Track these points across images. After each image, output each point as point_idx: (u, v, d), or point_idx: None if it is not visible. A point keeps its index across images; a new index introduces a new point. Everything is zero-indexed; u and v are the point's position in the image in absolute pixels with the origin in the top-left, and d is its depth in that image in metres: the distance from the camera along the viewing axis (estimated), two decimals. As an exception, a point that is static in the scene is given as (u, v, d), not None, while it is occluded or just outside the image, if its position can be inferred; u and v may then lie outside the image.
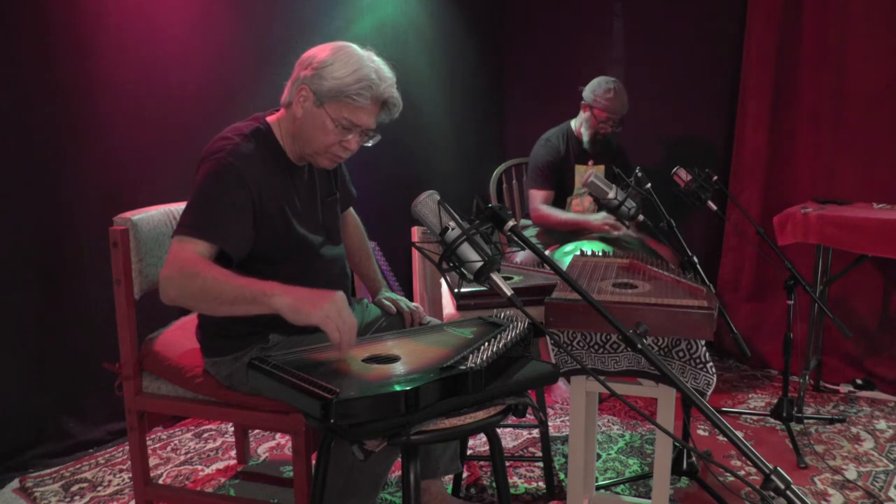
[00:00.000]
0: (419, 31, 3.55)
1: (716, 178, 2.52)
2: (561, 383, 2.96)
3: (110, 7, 2.36)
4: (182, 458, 2.42)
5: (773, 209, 3.06)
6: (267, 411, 1.70)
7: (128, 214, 1.78)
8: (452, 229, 1.28)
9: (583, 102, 3.07)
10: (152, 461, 2.37)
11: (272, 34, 2.84)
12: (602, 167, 3.14)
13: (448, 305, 1.91)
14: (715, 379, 1.61)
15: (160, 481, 2.26)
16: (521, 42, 4.05)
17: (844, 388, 3.06)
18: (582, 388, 1.73)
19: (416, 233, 3.19)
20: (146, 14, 2.45)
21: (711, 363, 1.61)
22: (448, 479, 2.13)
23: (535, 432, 2.59)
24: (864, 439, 2.56)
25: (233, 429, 2.49)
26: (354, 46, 1.62)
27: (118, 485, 2.23)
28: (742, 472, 2.30)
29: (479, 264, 1.25)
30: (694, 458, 2.22)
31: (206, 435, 2.59)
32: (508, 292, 1.25)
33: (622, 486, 2.22)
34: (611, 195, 2.08)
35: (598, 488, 2.16)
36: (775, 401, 2.65)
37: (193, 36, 2.60)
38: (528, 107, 4.05)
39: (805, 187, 3.17)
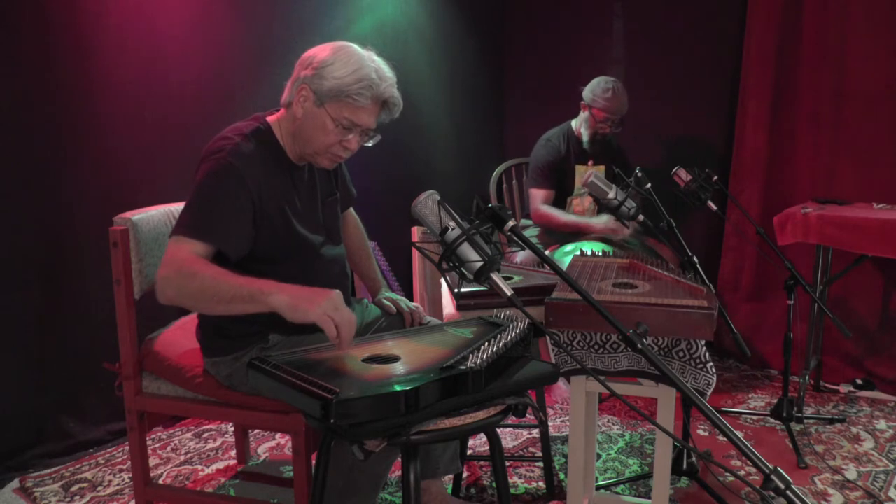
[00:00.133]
0: (419, 31, 3.55)
1: (716, 178, 2.52)
2: (561, 383, 2.96)
3: (110, 7, 2.36)
4: (182, 458, 2.42)
5: (773, 209, 3.06)
6: (267, 411, 1.70)
7: (128, 214, 1.78)
8: (452, 229, 1.28)
9: (582, 102, 3.07)
10: (152, 461, 2.37)
11: (272, 34, 2.84)
12: (602, 167, 3.14)
13: (448, 305, 1.91)
14: (715, 379, 1.61)
15: (160, 481, 2.26)
16: (521, 42, 4.05)
17: (844, 388, 3.06)
18: (582, 388, 1.73)
19: (416, 233, 3.19)
20: (146, 14, 2.45)
21: (711, 363, 1.61)
22: (448, 479, 2.13)
23: (535, 432, 2.59)
24: (864, 439, 2.56)
25: (233, 429, 2.49)
26: (355, 46, 1.62)
27: (118, 485, 2.23)
28: (742, 472, 2.30)
29: (479, 264, 1.25)
30: (694, 458, 2.22)
31: (206, 435, 2.59)
32: (508, 292, 1.25)
33: (622, 486, 2.22)
34: (611, 195, 2.08)
35: (598, 488, 2.16)
36: (775, 401, 2.65)
37: (193, 36, 2.60)
38: (528, 107, 4.05)
39: (805, 187, 3.17)
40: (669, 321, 1.56)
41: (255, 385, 1.52)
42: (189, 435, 2.59)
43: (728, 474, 2.24)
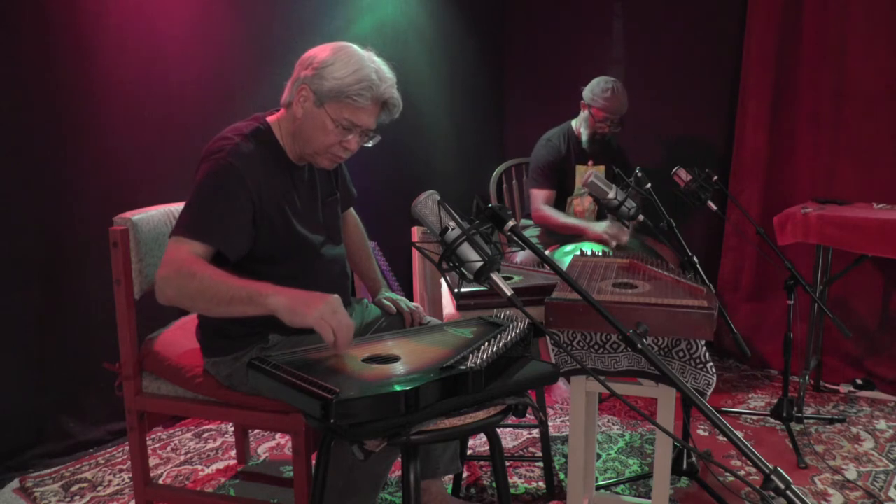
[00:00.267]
0: (419, 31, 3.55)
1: (716, 178, 2.52)
2: (561, 383, 2.96)
3: (110, 7, 2.36)
4: (182, 458, 2.42)
5: (773, 209, 3.06)
6: (267, 411, 1.70)
7: (128, 214, 1.78)
8: (452, 229, 1.28)
9: (582, 101, 3.07)
10: (152, 461, 2.37)
11: (272, 34, 2.83)
12: (602, 167, 3.14)
13: (448, 305, 1.91)
14: (715, 379, 1.61)
15: (160, 481, 2.26)
16: (521, 42, 4.05)
17: (844, 388, 3.06)
18: (582, 388, 1.73)
19: (416, 233, 3.19)
20: (146, 14, 2.45)
21: (711, 363, 1.61)
22: (448, 479, 2.13)
23: (535, 432, 2.59)
24: (864, 439, 2.56)
25: (233, 429, 2.49)
26: (355, 47, 1.62)
27: (118, 485, 2.23)
28: (742, 472, 2.30)
29: (479, 264, 1.25)
30: (694, 458, 2.22)
31: (206, 435, 2.59)
32: (508, 292, 1.25)
33: (622, 486, 2.22)
34: (611, 195, 2.08)
35: (598, 488, 2.16)
36: (775, 401, 2.65)
37: (193, 36, 2.60)
38: (528, 107, 4.05)
39: (805, 187, 3.17)
40: (669, 321, 1.56)
41: (255, 385, 1.52)
42: (189, 435, 2.59)
43: (728, 474, 2.24)
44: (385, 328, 1.83)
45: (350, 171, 1.95)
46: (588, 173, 2.12)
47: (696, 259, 2.04)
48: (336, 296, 1.37)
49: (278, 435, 2.60)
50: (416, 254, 3.29)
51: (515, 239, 1.28)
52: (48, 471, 2.29)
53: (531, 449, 2.51)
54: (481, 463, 2.36)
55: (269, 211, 1.60)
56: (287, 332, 1.68)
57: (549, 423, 2.66)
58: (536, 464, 2.36)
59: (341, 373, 1.28)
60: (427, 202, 1.34)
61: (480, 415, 1.30)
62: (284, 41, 2.83)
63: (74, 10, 2.27)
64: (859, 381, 3.05)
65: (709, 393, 1.62)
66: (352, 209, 2.01)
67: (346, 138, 1.62)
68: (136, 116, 2.46)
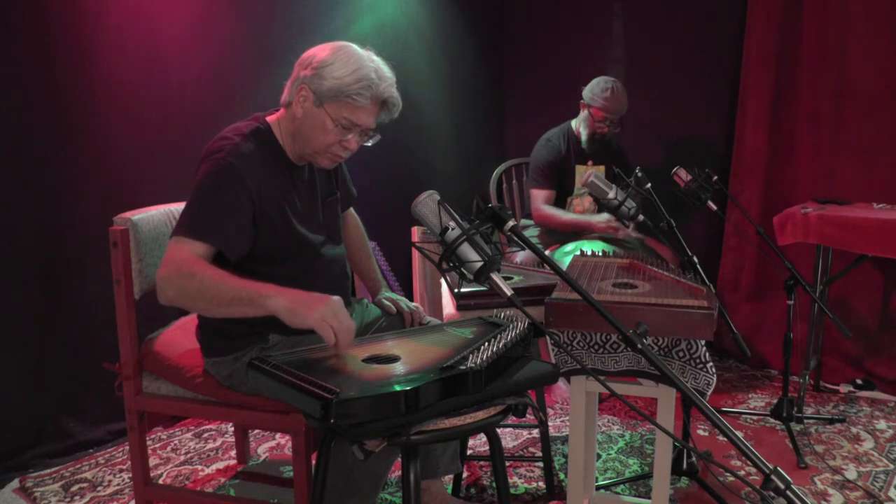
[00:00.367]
0: (419, 31, 3.55)
1: (716, 178, 2.52)
2: (561, 383, 2.96)
3: (110, 7, 2.36)
4: (182, 458, 2.42)
5: (773, 209, 3.06)
6: (267, 411, 1.70)
7: (128, 214, 1.78)
8: (452, 229, 1.28)
9: (582, 101, 3.07)
10: (152, 461, 2.37)
11: (272, 34, 2.83)
12: (602, 167, 3.14)
13: (448, 305, 1.91)
14: (715, 379, 1.61)
15: (160, 481, 2.26)
16: (521, 42, 4.05)
17: (844, 388, 3.06)
18: (582, 388, 1.73)
19: (416, 233, 3.19)
20: (146, 14, 2.45)
21: (711, 363, 1.61)
22: (448, 479, 2.13)
23: (535, 432, 2.59)
24: (864, 439, 2.56)
25: (233, 429, 2.49)
26: (354, 46, 1.62)
27: (118, 485, 2.23)
28: (742, 472, 2.30)
29: (479, 264, 1.25)
30: (694, 458, 2.22)
31: (206, 435, 2.59)
32: (508, 292, 1.25)
33: (622, 486, 2.22)
34: (611, 195, 2.08)
35: (598, 488, 2.16)
36: (775, 401, 2.64)
37: (193, 36, 2.60)
38: (528, 107, 4.05)
39: (805, 187, 3.17)
40: (669, 321, 1.56)
41: (255, 385, 1.52)
42: (189, 435, 2.59)
43: (728, 474, 2.24)
44: (385, 328, 1.83)
45: (350, 171, 1.95)
46: (588, 173, 2.12)
47: (696, 259, 2.04)
48: (338, 297, 1.37)
49: (278, 435, 2.60)
50: (416, 254, 3.29)
51: (515, 239, 1.28)
52: (48, 471, 2.29)
53: (531, 449, 2.51)
54: (481, 463, 2.36)
55: (269, 211, 1.60)
56: (287, 332, 1.67)
57: (549, 423, 2.66)
58: (536, 464, 2.36)
59: (341, 373, 1.28)
60: (427, 202, 1.34)
61: (480, 415, 1.30)
62: (284, 41, 2.83)
63: (74, 10, 2.27)
64: (859, 381, 3.05)
65: (709, 393, 1.61)
66: (352, 209, 2.01)
67: (345, 138, 1.62)
68: (136, 116, 2.46)
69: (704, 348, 1.60)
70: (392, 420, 1.18)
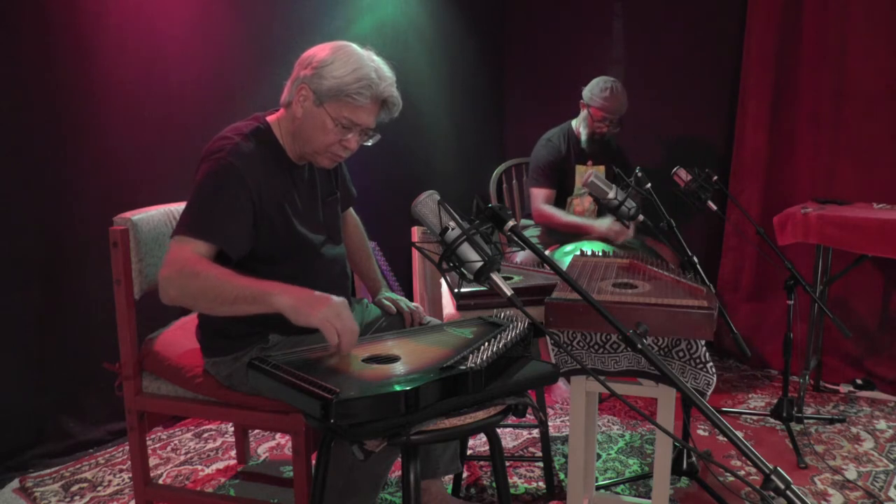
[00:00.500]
0: (419, 31, 3.55)
1: (716, 178, 2.52)
2: (561, 383, 2.96)
3: (110, 7, 2.36)
4: (182, 458, 2.42)
5: (773, 209, 3.06)
6: (267, 411, 1.70)
7: (128, 214, 1.78)
8: (452, 229, 1.28)
9: (581, 101, 3.07)
10: (152, 461, 2.37)
11: (272, 34, 2.83)
12: (602, 167, 3.14)
13: (448, 305, 1.91)
14: (715, 379, 1.61)
15: (160, 481, 2.26)
16: (521, 42, 4.05)
17: (844, 388, 3.06)
18: (582, 388, 1.73)
19: (416, 233, 3.19)
20: (146, 14, 2.45)
21: (711, 363, 1.61)
22: (448, 479, 2.13)
23: (535, 432, 2.59)
24: (864, 439, 2.56)
25: (233, 429, 2.49)
26: (354, 46, 1.62)
27: (118, 485, 2.23)
28: (742, 472, 2.30)
29: (479, 264, 1.25)
30: (694, 458, 2.22)
31: (206, 435, 2.59)
32: (508, 292, 1.25)
33: (622, 486, 2.22)
34: (611, 195, 2.08)
35: (598, 488, 2.16)
36: (775, 401, 2.64)
37: (193, 36, 2.60)
38: (528, 107, 4.05)
39: (805, 187, 3.17)
40: (669, 321, 1.56)
41: (255, 385, 1.52)
42: (189, 435, 2.59)
43: (728, 474, 2.24)
44: (385, 328, 1.83)
45: (350, 171, 1.95)
46: (588, 173, 2.12)
47: (696, 259, 2.04)
48: (342, 298, 1.37)
49: (278, 435, 2.60)
50: (416, 254, 3.29)
51: (515, 239, 1.28)
52: (48, 471, 2.29)
53: (531, 449, 2.51)
54: (481, 463, 2.36)
55: (269, 210, 1.60)
56: (287, 332, 1.68)
57: (549, 423, 2.66)
58: (536, 464, 2.36)
59: (341, 373, 1.28)
60: (427, 202, 1.34)
61: (480, 415, 1.30)
62: (284, 41, 2.83)
63: (74, 10, 2.27)
64: (859, 381, 3.05)
65: (709, 393, 1.61)
66: (351, 209, 2.01)
67: (345, 137, 1.62)
68: (136, 116, 2.46)
69: (704, 348, 1.60)
70: (392, 420, 1.18)
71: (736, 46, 3.31)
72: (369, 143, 1.69)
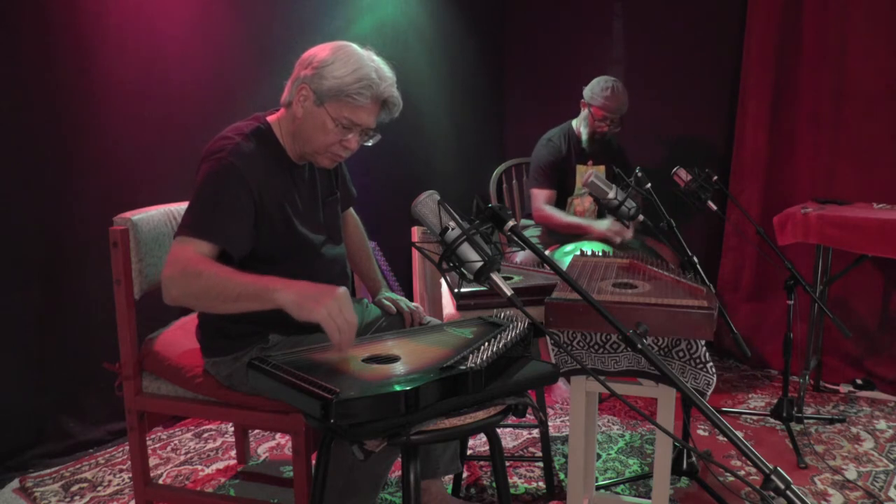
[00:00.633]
0: (419, 31, 3.55)
1: (716, 178, 2.52)
2: (561, 383, 2.96)
3: (110, 7, 2.36)
4: (182, 458, 2.42)
5: (773, 209, 3.06)
6: (267, 411, 1.70)
7: (128, 214, 1.78)
8: (452, 229, 1.28)
9: (582, 100, 3.07)
10: (152, 461, 2.37)
11: (272, 34, 2.84)
12: (602, 167, 3.14)
13: (448, 305, 1.91)
14: (715, 379, 1.61)
15: (160, 481, 2.26)
16: (521, 42, 4.05)
17: (844, 388, 3.06)
18: (582, 388, 1.73)
19: (416, 233, 3.18)
20: (146, 14, 2.45)
21: (711, 363, 1.61)
22: (448, 479, 2.13)
23: (535, 432, 2.59)
24: (864, 439, 2.56)
25: (233, 429, 2.49)
26: (354, 46, 1.62)
27: (118, 485, 2.23)
28: (742, 472, 2.30)
29: (479, 264, 1.25)
30: (694, 458, 2.22)
31: (206, 435, 2.59)
32: (508, 292, 1.25)
33: (622, 486, 2.22)
34: (611, 195, 2.08)
35: (598, 488, 2.16)
36: (775, 401, 2.64)
37: (193, 36, 2.60)
38: (528, 107, 4.05)
39: (805, 187, 3.17)
40: (669, 321, 1.56)
41: (255, 385, 1.51)
42: (189, 435, 2.59)
43: (728, 474, 2.24)
44: (385, 328, 1.83)
45: (350, 171, 1.95)
46: (588, 173, 2.12)
47: (696, 259, 2.04)
48: (344, 289, 1.36)
49: (278, 435, 2.60)
50: (416, 254, 3.29)
51: (515, 239, 1.28)
52: (48, 471, 2.29)
53: (531, 449, 2.51)
54: (481, 463, 2.36)
55: (269, 210, 1.60)
56: (287, 331, 1.68)
57: (549, 423, 2.66)
58: (536, 464, 2.36)
59: (341, 373, 1.28)
60: (427, 202, 1.34)
61: (480, 415, 1.30)
62: (284, 41, 2.83)
63: (74, 10, 2.27)
64: (859, 381, 3.05)
65: (709, 393, 1.62)
66: (351, 209, 2.01)
67: (346, 137, 1.62)
68: (136, 116, 2.46)
69: (704, 348, 1.60)
70: (392, 420, 1.18)
71: (736, 46, 3.31)
72: (369, 144, 1.69)
